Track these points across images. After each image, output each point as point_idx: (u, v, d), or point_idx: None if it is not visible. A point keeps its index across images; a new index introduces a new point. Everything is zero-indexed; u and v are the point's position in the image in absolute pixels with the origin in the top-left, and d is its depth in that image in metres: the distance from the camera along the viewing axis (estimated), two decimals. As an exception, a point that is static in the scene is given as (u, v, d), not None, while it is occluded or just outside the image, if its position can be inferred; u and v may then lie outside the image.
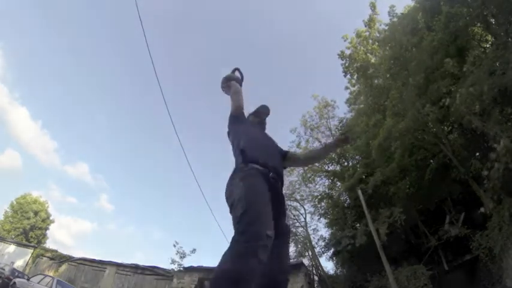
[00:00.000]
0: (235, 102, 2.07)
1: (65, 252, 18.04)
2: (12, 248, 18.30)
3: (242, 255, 1.09)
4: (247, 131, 1.90)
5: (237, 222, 1.23)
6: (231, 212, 1.38)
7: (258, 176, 1.46)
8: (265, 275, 1.24)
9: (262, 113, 2.20)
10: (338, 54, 15.91)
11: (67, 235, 54.26)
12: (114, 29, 61.14)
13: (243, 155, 1.60)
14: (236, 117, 2.02)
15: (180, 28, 63.18)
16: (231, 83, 2.20)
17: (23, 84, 57.19)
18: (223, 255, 1.12)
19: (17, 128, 55.96)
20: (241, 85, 2.28)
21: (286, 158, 1.98)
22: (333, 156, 18.79)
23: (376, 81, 14.33)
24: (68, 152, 60.68)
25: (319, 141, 19.25)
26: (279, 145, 2.05)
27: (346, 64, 15.77)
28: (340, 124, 18.59)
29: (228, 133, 2.01)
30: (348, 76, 16.44)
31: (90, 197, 62.55)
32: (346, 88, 18.03)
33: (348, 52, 15.76)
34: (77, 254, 18.22)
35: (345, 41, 16.08)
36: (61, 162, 60.80)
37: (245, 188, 1.37)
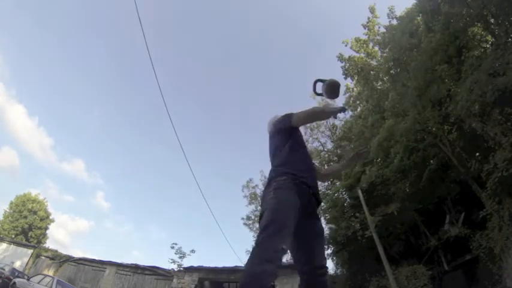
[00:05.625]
0: (308, 116, 1.84)
1: (63, 251, 18.12)
2: (12, 248, 18.26)
3: (254, 265, 1.20)
4: (297, 144, 1.81)
5: (260, 232, 1.31)
6: (259, 220, 1.43)
7: (292, 189, 1.46)
8: (304, 272, 1.34)
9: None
10: (337, 57, 15.96)
11: (65, 234, 54.29)
12: (111, 25, 61.24)
13: (285, 166, 1.59)
14: (294, 129, 1.85)
15: (179, 27, 63.21)
16: (327, 104, 2.20)
17: (20, 81, 57.18)
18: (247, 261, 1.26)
19: (14, 125, 55.94)
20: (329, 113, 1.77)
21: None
22: (332, 157, 18.84)
23: (375, 83, 14.38)
24: (64, 148, 60.66)
25: (319, 141, 19.28)
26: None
27: (346, 66, 15.82)
28: (335, 129, 18.71)
29: (275, 132, 1.87)
30: (349, 79, 16.50)
31: (86, 195, 62.52)
32: (347, 89, 18.07)
33: (346, 55, 15.85)
34: (75, 252, 18.28)
35: (345, 45, 16.23)
36: (57, 159, 60.88)
37: (276, 201, 1.40)
